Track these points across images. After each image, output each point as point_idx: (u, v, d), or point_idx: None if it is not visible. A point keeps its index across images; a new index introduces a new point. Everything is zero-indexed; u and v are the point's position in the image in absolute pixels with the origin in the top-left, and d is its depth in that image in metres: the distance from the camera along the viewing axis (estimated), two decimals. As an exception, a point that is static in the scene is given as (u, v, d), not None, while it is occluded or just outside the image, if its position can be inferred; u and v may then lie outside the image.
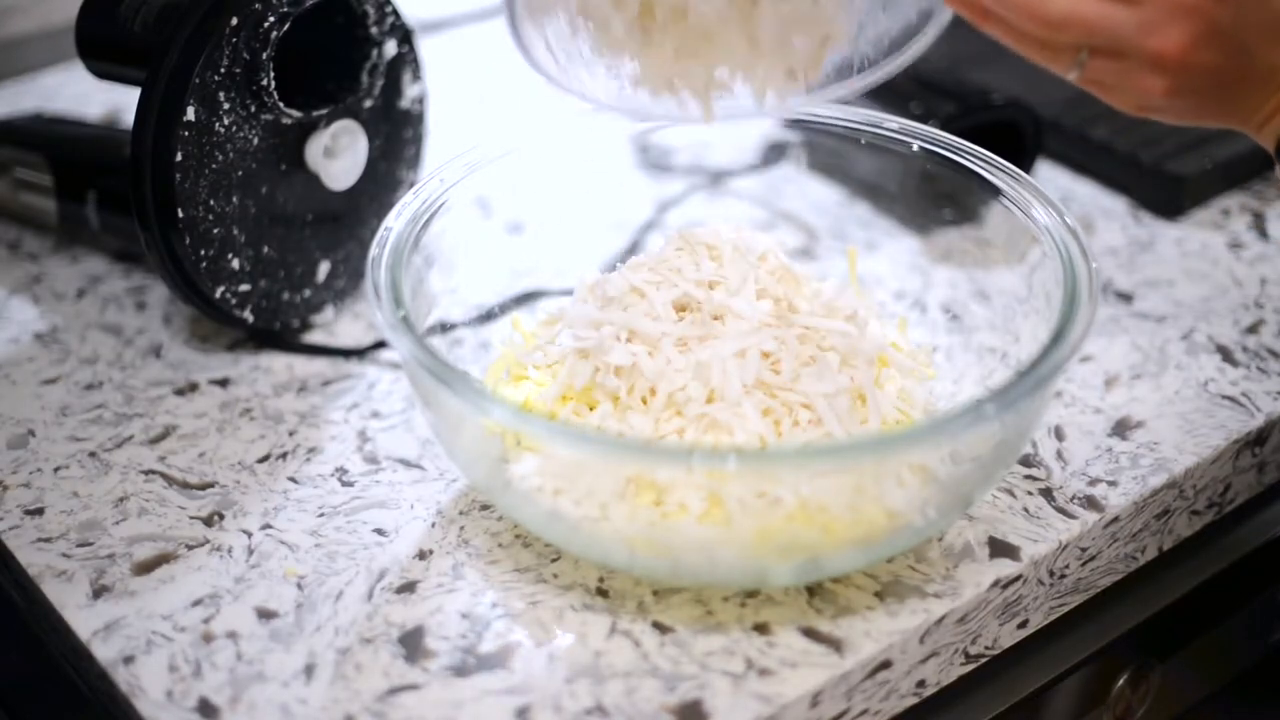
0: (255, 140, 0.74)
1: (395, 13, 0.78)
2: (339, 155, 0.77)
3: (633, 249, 0.81)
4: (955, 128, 0.77)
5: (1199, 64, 0.59)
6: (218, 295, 0.74)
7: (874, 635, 0.60)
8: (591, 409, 0.64)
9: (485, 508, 0.67)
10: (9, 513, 0.67)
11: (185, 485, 0.69)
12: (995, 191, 0.69)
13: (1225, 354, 0.76)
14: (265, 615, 0.62)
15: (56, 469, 0.70)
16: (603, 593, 0.63)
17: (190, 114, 0.70)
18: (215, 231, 0.73)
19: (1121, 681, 0.74)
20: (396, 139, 0.81)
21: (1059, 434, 0.71)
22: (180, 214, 0.71)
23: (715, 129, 0.75)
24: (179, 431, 0.72)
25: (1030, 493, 0.67)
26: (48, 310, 0.81)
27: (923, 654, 0.62)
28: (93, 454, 0.71)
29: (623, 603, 0.62)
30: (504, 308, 0.76)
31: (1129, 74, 0.60)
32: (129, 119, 0.82)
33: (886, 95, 0.74)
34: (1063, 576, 0.66)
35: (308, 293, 0.79)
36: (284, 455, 0.71)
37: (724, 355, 0.62)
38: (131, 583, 0.63)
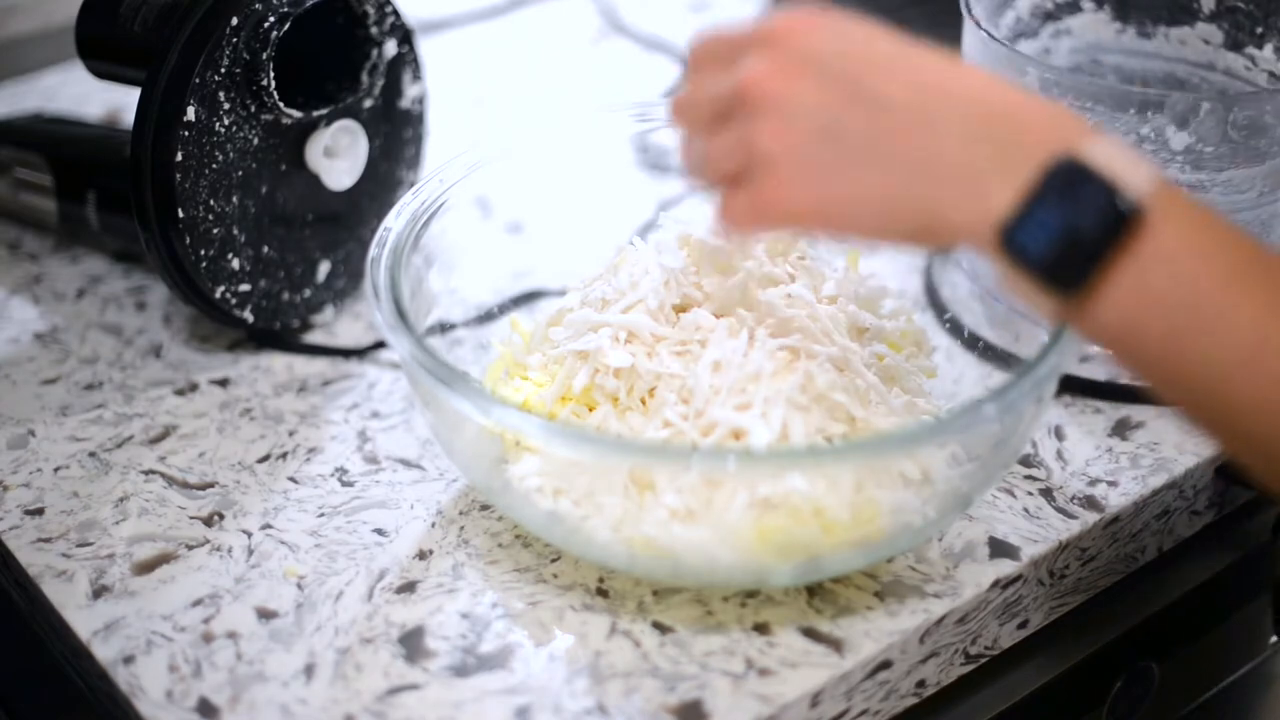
0: (255, 140, 0.74)
1: (395, 13, 0.78)
2: (339, 155, 0.77)
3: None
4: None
5: (803, 92, 0.52)
6: (218, 295, 0.74)
7: (874, 635, 0.60)
8: (591, 410, 0.64)
9: (485, 508, 0.67)
10: (9, 513, 0.67)
11: (185, 485, 0.69)
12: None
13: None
14: (265, 615, 0.62)
15: (56, 469, 0.70)
16: (603, 593, 0.63)
17: (190, 114, 0.70)
18: (215, 231, 0.73)
19: (1121, 681, 0.74)
20: (396, 139, 0.81)
21: (1059, 434, 0.71)
22: (180, 214, 0.71)
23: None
24: (179, 431, 0.72)
25: (1030, 493, 0.67)
26: (48, 310, 0.81)
27: (923, 654, 0.62)
28: (93, 454, 0.71)
29: (623, 603, 0.62)
30: (503, 308, 0.76)
31: (744, 135, 0.53)
32: (129, 119, 0.82)
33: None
34: (1063, 576, 0.66)
35: (308, 293, 0.79)
36: (284, 455, 0.71)
37: (723, 355, 0.62)
38: (131, 583, 0.63)
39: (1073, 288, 0.49)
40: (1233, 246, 0.49)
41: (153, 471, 0.70)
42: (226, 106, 0.72)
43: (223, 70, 0.71)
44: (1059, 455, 0.69)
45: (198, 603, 0.62)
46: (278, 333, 0.78)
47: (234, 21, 0.71)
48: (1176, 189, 0.50)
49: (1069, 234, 0.49)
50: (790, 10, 0.54)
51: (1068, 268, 0.49)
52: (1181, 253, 0.49)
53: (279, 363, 0.77)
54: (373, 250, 0.64)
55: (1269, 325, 0.48)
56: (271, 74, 0.72)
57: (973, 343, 0.72)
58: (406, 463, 0.70)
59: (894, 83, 0.51)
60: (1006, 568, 0.64)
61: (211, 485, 0.69)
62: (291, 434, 0.72)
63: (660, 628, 0.61)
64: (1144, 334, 0.49)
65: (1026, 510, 0.66)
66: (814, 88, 0.52)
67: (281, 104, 0.73)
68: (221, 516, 0.67)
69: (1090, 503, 0.67)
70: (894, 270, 0.80)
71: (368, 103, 0.78)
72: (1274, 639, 0.79)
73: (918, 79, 0.51)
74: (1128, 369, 0.52)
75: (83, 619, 0.62)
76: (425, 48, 0.83)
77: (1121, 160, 0.49)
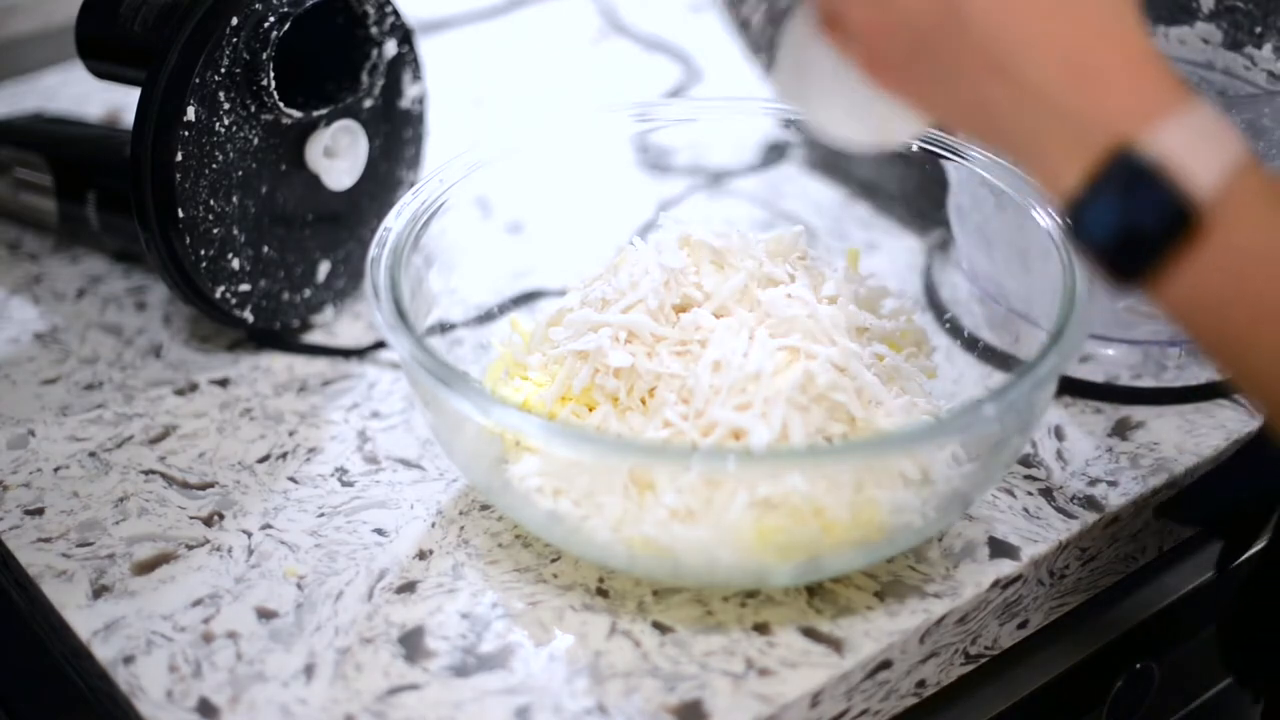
0: (255, 140, 0.74)
1: (395, 13, 0.78)
2: (339, 155, 0.77)
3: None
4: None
5: (884, 27, 0.51)
6: (218, 295, 0.74)
7: (874, 635, 0.60)
8: (591, 410, 0.64)
9: (485, 508, 0.67)
10: (9, 513, 0.67)
11: (185, 485, 0.69)
12: (996, 192, 0.69)
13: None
14: (265, 615, 0.62)
15: (56, 469, 0.70)
16: (603, 593, 0.63)
17: (190, 114, 0.70)
18: (215, 231, 0.73)
19: (1121, 681, 0.74)
20: (396, 139, 0.81)
21: (1059, 434, 0.71)
22: (180, 214, 0.71)
23: (714, 129, 0.76)
24: (179, 431, 0.72)
25: (1030, 493, 0.67)
26: (48, 310, 0.81)
27: (923, 654, 0.62)
28: (93, 454, 0.71)
29: (623, 603, 0.62)
30: (503, 308, 0.76)
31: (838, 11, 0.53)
32: (129, 119, 0.82)
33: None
34: (1063, 576, 0.66)
35: (308, 293, 0.79)
36: (284, 455, 0.71)
37: (723, 355, 0.62)
38: (131, 583, 0.63)
39: (1131, 278, 0.49)
40: None
41: (153, 471, 0.70)
42: (226, 106, 0.72)
43: (223, 70, 0.71)
44: (1059, 455, 0.69)
45: (198, 603, 0.63)
46: (278, 333, 0.78)
47: (234, 21, 0.71)
48: (1259, 173, 0.48)
49: (1127, 230, 0.48)
50: None
51: (1125, 261, 0.48)
52: (1248, 253, 0.47)
53: (279, 363, 0.77)
54: (373, 250, 0.64)
55: None
56: (271, 74, 0.72)
57: (973, 343, 0.73)
58: (406, 463, 0.70)
59: (990, 7, 0.49)
60: (1006, 568, 0.64)
61: (211, 485, 0.69)
62: (291, 434, 0.72)
63: (660, 628, 0.61)
64: (1203, 324, 0.49)
65: (1026, 510, 0.66)
66: None
67: (281, 104, 0.73)
68: (221, 516, 0.67)
69: (1090, 503, 0.67)
70: (894, 270, 0.80)
71: (368, 103, 0.78)
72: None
73: (1017, 4, 0.49)
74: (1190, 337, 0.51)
75: (83, 619, 0.62)
76: (425, 48, 0.83)
77: (1194, 149, 0.47)
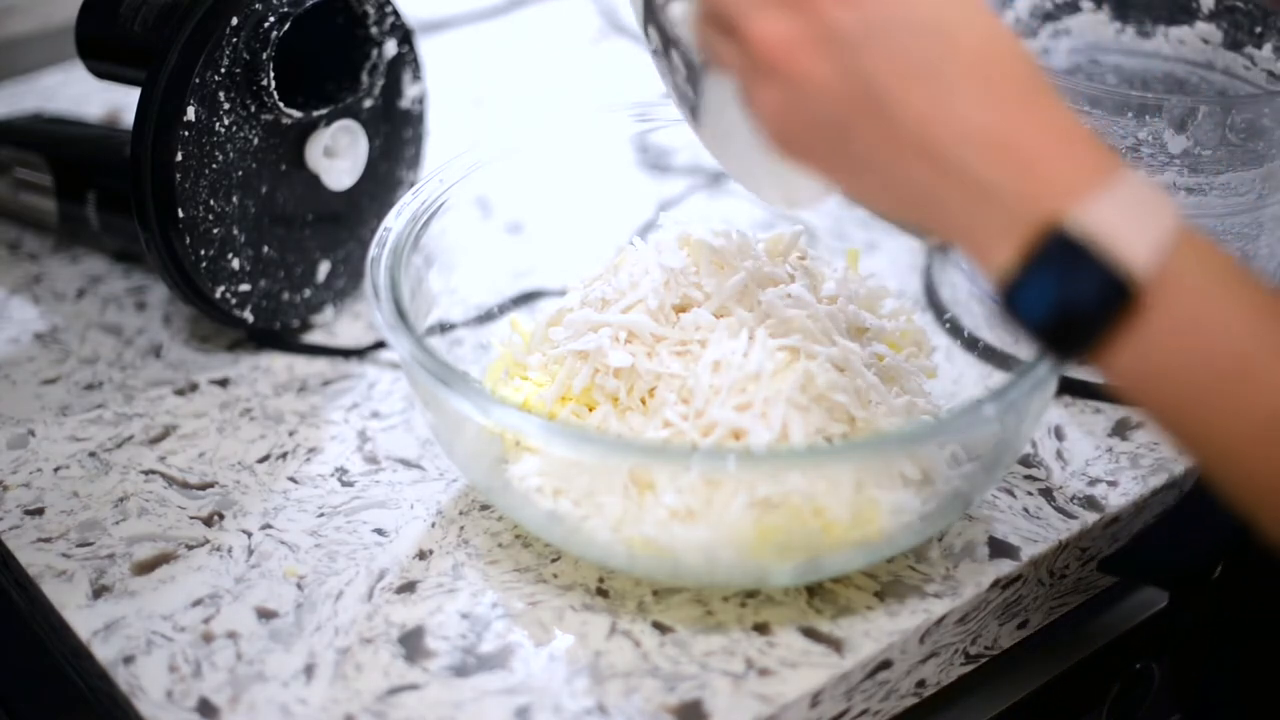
0: (255, 140, 0.74)
1: (395, 13, 0.78)
2: (339, 155, 0.77)
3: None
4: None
5: (814, 80, 0.49)
6: (218, 295, 0.74)
7: (874, 635, 0.60)
8: (591, 410, 0.64)
9: (485, 508, 0.67)
10: (9, 513, 0.67)
11: (185, 485, 0.69)
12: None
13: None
14: (265, 615, 0.62)
15: (56, 469, 0.70)
16: (603, 593, 0.63)
17: (190, 114, 0.70)
18: (215, 231, 0.73)
19: (1121, 682, 0.74)
20: (396, 139, 0.81)
21: (1059, 434, 0.71)
22: (180, 214, 0.71)
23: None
24: (179, 431, 0.72)
25: (1030, 493, 0.67)
26: (48, 310, 0.81)
27: (923, 654, 0.62)
28: (93, 454, 0.71)
29: (623, 603, 0.62)
30: (503, 308, 0.76)
31: (746, 73, 0.51)
32: (129, 119, 0.82)
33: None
34: (1063, 576, 0.66)
35: (308, 293, 0.79)
36: (284, 455, 0.71)
37: (723, 355, 0.62)
38: (131, 583, 0.63)
39: (1071, 355, 0.48)
40: (1254, 307, 0.47)
41: (153, 471, 0.70)
42: (226, 106, 0.72)
43: (223, 70, 0.71)
44: (1059, 455, 0.69)
45: (198, 603, 0.63)
46: (278, 333, 0.78)
47: (234, 21, 0.71)
48: (1196, 241, 0.47)
49: (1064, 307, 0.47)
50: None
51: (1066, 338, 0.48)
52: (1192, 322, 0.46)
53: (279, 363, 0.77)
54: (373, 250, 0.64)
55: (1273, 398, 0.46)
56: (271, 74, 0.72)
57: (973, 343, 0.72)
58: (406, 463, 0.70)
59: (913, 93, 0.48)
60: (1006, 568, 0.64)
61: (211, 485, 0.69)
62: (291, 434, 0.72)
63: (660, 628, 0.61)
64: (1151, 395, 0.48)
65: (1026, 510, 0.66)
66: (828, 75, 0.49)
67: (281, 104, 0.73)
68: (221, 516, 0.67)
69: (1090, 503, 0.67)
70: (894, 270, 0.80)
71: (368, 103, 0.78)
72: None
73: (940, 88, 0.48)
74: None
75: (83, 619, 0.62)
76: (425, 48, 0.83)
77: (1127, 223, 0.46)
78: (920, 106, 0.48)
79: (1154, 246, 0.46)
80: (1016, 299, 0.48)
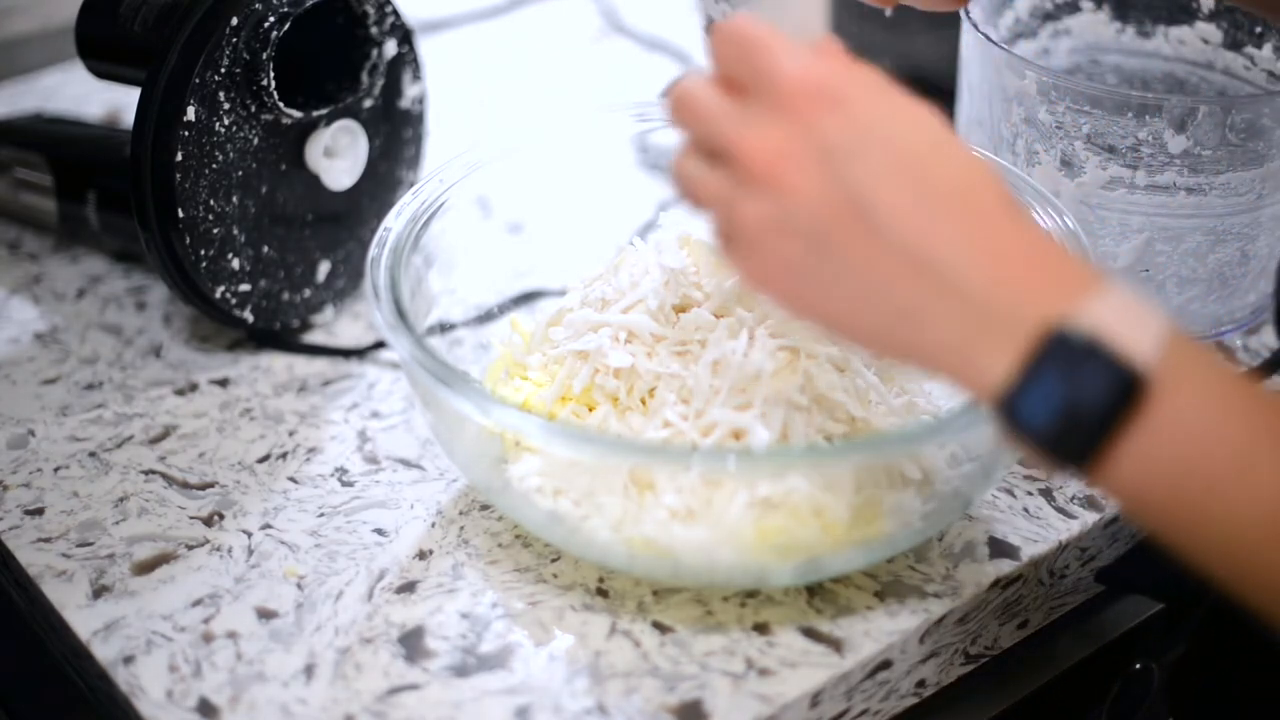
0: (255, 140, 0.74)
1: (395, 13, 0.78)
2: (339, 155, 0.77)
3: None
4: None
5: (803, 191, 0.48)
6: (218, 295, 0.74)
7: (874, 635, 0.60)
8: (591, 410, 0.64)
9: (485, 508, 0.67)
10: (9, 513, 0.67)
11: (185, 485, 0.69)
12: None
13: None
14: (265, 615, 0.62)
15: (56, 469, 0.70)
16: (603, 593, 0.63)
17: (190, 114, 0.70)
18: (215, 231, 0.73)
19: (1121, 682, 0.73)
20: (396, 139, 0.81)
21: (1059, 434, 0.71)
22: (180, 214, 0.71)
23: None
24: (179, 431, 0.72)
25: (1030, 493, 0.67)
26: (48, 310, 0.81)
27: (923, 654, 0.62)
28: (93, 454, 0.71)
29: (623, 603, 0.62)
30: (503, 308, 0.76)
31: (733, 194, 0.50)
32: (129, 119, 0.82)
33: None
34: (1063, 576, 0.66)
35: (308, 293, 0.79)
36: (284, 455, 0.71)
37: (723, 355, 0.62)
38: (131, 583, 0.63)
39: (1078, 460, 0.47)
40: (1250, 406, 0.47)
41: (153, 471, 0.70)
42: (226, 106, 0.72)
43: (223, 70, 0.71)
44: (1059, 455, 0.69)
45: (198, 603, 0.62)
46: (278, 333, 0.78)
47: (234, 21, 0.71)
48: (1188, 343, 0.47)
49: (1071, 408, 0.46)
50: (826, 63, 0.49)
51: (1071, 442, 0.47)
52: (1193, 421, 0.46)
53: (279, 363, 0.77)
54: (373, 250, 0.64)
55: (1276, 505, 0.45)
56: (271, 74, 0.72)
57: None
58: (406, 463, 0.70)
59: (901, 208, 0.48)
60: (1006, 568, 0.64)
61: (211, 485, 0.69)
62: (291, 434, 0.72)
63: (660, 628, 0.61)
64: (1155, 501, 0.47)
65: (1026, 510, 0.66)
66: (817, 188, 0.48)
67: (281, 104, 0.73)
68: (221, 516, 0.67)
69: (1090, 503, 0.67)
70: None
71: (368, 103, 0.78)
72: None
73: (929, 200, 0.48)
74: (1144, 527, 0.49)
75: (83, 619, 0.62)
76: (425, 48, 0.83)
77: (1126, 321, 0.46)
78: (910, 216, 0.48)
79: (1155, 342, 0.46)
80: (1017, 408, 0.47)
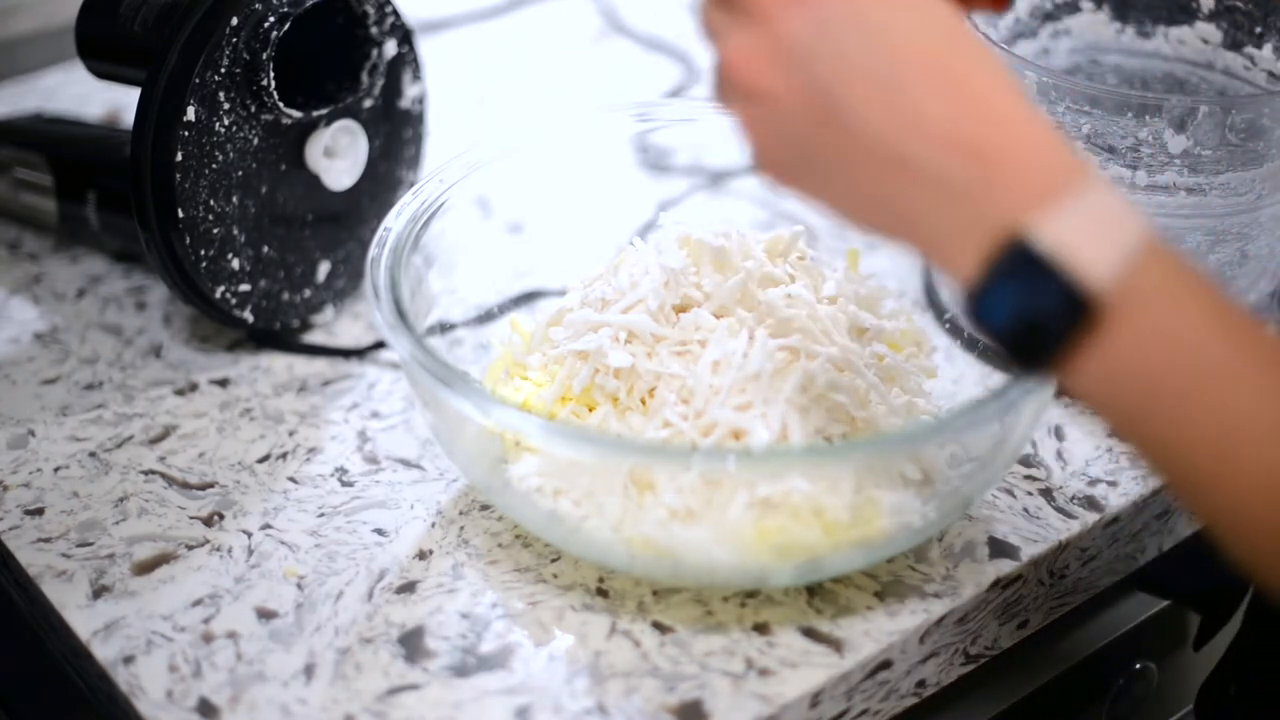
0: (255, 140, 0.74)
1: (395, 13, 0.78)
2: (339, 155, 0.77)
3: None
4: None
5: (777, 94, 0.49)
6: (218, 295, 0.74)
7: (874, 635, 0.60)
8: (591, 410, 0.64)
9: (485, 508, 0.67)
10: (9, 513, 0.67)
11: (185, 485, 0.69)
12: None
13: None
14: (265, 615, 0.62)
15: (56, 469, 0.70)
16: (603, 593, 0.63)
17: (190, 114, 0.70)
18: (215, 231, 0.73)
19: (1121, 681, 0.74)
20: (396, 139, 0.81)
21: (1059, 434, 0.71)
22: (180, 214, 0.71)
23: (714, 129, 0.75)
24: (179, 431, 0.72)
25: (1030, 493, 0.67)
26: (48, 310, 0.81)
27: (923, 654, 0.62)
28: (93, 454, 0.71)
29: (623, 603, 0.62)
30: (503, 308, 0.76)
31: (729, 99, 0.51)
32: (129, 119, 0.82)
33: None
34: (1063, 576, 0.66)
35: (308, 293, 0.79)
36: (284, 455, 0.71)
37: (723, 355, 0.62)
38: (131, 583, 0.63)
39: (1035, 365, 0.48)
40: (1229, 323, 0.46)
41: (153, 471, 0.70)
42: (226, 106, 0.72)
43: (223, 70, 0.71)
44: (1059, 455, 0.69)
45: (198, 603, 0.63)
46: (278, 333, 0.78)
47: (234, 21, 0.71)
48: (1166, 255, 0.47)
49: (1026, 317, 0.47)
50: None
51: (1028, 349, 0.47)
52: (1164, 335, 0.46)
53: (279, 363, 0.77)
54: (373, 250, 0.64)
55: (1252, 412, 0.46)
56: (271, 74, 0.72)
57: (973, 343, 0.72)
58: (406, 463, 0.70)
59: (871, 102, 0.48)
60: (1006, 568, 0.64)
61: (211, 485, 0.69)
62: (291, 434, 0.72)
63: (660, 628, 0.61)
64: (1123, 410, 0.47)
65: (1026, 510, 0.66)
66: (786, 90, 0.49)
67: (281, 104, 0.73)
68: (221, 516, 0.67)
69: (1090, 503, 0.67)
70: (894, 270, 0.80)
71: (368, 103, 0.78)
72: None
73: (897, 96, 0.48)
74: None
75: (83, 619, 0.62)
76: (425, 48, 0.83)
77: (1090, 236, 0.46)
78: (877, 111, 0.48)
79: (1117, 261, 0.46)
80: (980, 305, 0.48)
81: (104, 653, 0.60)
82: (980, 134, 0.47)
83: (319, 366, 0.77)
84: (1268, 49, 0.78)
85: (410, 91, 0.80)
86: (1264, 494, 0.45)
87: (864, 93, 0.48)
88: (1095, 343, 0.46)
